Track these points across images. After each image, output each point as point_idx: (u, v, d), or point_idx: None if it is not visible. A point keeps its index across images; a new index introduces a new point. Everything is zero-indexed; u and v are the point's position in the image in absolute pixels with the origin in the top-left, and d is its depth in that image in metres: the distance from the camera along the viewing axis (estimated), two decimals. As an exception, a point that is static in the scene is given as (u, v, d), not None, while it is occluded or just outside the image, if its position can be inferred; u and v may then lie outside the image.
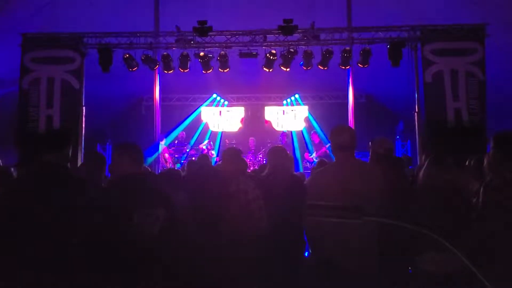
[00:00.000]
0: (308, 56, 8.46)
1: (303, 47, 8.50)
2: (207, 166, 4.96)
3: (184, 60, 8.71)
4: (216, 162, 10.13)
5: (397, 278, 3.05)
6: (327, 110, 12.38)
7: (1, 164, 4.93)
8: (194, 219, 3.15)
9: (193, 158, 9.45)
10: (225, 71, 8.93)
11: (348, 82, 9.43)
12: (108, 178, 4.09)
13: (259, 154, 10.96)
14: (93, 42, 8.52)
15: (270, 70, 8.83)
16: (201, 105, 12.83)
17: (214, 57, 8.71)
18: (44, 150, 2.62)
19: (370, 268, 2.68)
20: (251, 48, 8.61)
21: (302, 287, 3.37)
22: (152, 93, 9.74)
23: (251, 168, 9.10)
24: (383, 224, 1.86)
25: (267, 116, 12.54)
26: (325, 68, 8.71)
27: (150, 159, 9.75)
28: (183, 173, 4.83)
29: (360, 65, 8.56)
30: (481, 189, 2.71)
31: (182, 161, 10.63)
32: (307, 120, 12.51)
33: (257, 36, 8.52)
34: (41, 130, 8.05)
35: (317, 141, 11.28)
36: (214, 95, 12.81)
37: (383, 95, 12.34)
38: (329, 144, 9.38)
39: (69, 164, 2.78)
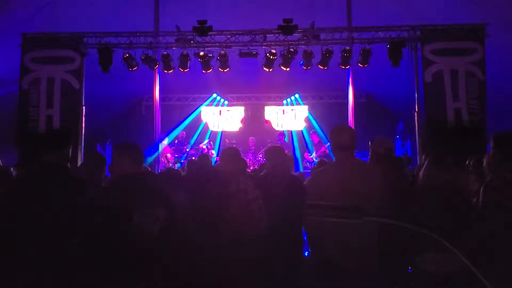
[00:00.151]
0: (308, 55, 8.46)
1: (303, 46, 8.50)
2: (207, 166, 4.96)
3: (184, 60, 8.70)
4: (216, 161, 10.13)
5: (397, 278, 3.05)
6: (327, 110, 12.38)
7: (1, 164, 4.93)
8: (194, 219, 3.15)
9: (193, 158, 9.45)
10: (225, 70, 8.93)
11: (348, 82, 9.43)
12: (108, 178, 4.09)
13: (259, 154, 10.96)
14: (93, 42, 8.51)
15: (270, 70, 8.83)
16: (201, 105, 12.83)
17: (214, 56, 8.71)
18: (44, 150, 2.62)
19: (370, 268, 2.68)
20: (251, 47, 8.61)
21: (302, 287, 3.37)
22: (152, 93, 9.74)
23: (251, 168, 9.10)
24: (383, 224, 1.86)
25: (267, 116, 12.54)
26: (325, 68, 8.71)
27: (150, 159, 9.75)
28: (183, 173, 4.83)
29: (360, 65, 8.56)
30: (481, 189, 2.71)
31: (182, 161, 10.63)
32: (307, 120, 12.51)
33: (257, 36, 8.52)
34: (41, 130, 8.05)
35: (316, 140, 11.28)
36: (214, 95, 12.81)
37: (383, 95, 12.34)
38: (328, 144, 9.38)
39: (69, 164, 2.78)
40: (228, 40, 8.57)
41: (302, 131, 12.59)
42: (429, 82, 7.99)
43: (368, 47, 8.28)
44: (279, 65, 8.69)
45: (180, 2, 8.68)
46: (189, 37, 8.51)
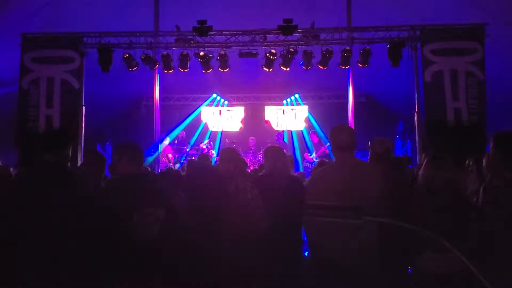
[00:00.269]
0: (308, 55, 8.46)
1: (303, 46, 8.50)
2: (206, 166, 4.96)
3: (184, 60, 8.71)
4: (216, 161, 10.13)
5: (397, 278, 3.05)
6: (327, 110, 12.38)
7: (1, 164, 4.92)
8: (193, 219, 3.15)
9: (193, 158, 9.45)
10: (225, 70, 8.93)
11: (348, 82, 9.43)
12: (108, 178, 4.09)
13: (259, 154, 10.96)
14: (93, 41, 8.52)
15: (270, 70, 8.83)
16: (201, 105, 12.83)
17: (214, 56, 8.72)
18: (44, 150, 2.62)
19: (370, 268, 2.67)
20: (251, 47, 8.62)
21: (302, 287, 3.37)
22: (152, 93, 9.74)
23: (251, 168, 9.10)
24: (383, 224, 1.86)
25: (267, 116, 12.54)
26: (325, 68, 8.71)
27: (150, 159, 9.74)
28: (183, 173, 4.83)
29: (360, 65, 8.56)
30: (481, 189, 2.72)
31: (182, 161, 10.63)
32: (307, 120, 12.51)
33: (257, 36, 8.52)
34: (41, 130, 8.06)
35: (316, 141, 11.29)
36: (214, 95, 12.81)
37: (383, 95, 12.34)
38: (328, 144, 9.39)
39: (69, 164, 2.78)
40: (228, 40, 8.57)
41: (302, 131, 12.58)
42: (429, 82, 8.00)
43: (368, 47, 8.28)
44: (279, 65, 8.69)
45: (180, 2, 8.69)
46: (189, 37, 8.52)
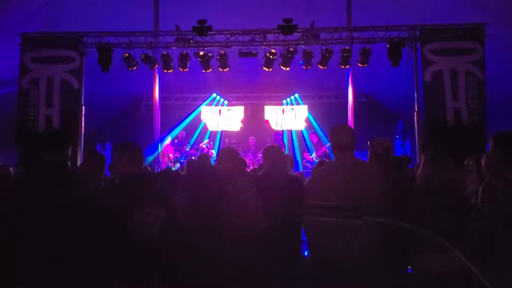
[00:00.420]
0: (307, 55, 8.46)
1: (303, 46, 8.50)
2: (206, 165, 4.96)
3: (183, 60, 8.71)
4: (215, 161, 10.11)
5: (397, 278, 3.05)
6: (327, 110, 12.38)
7: (1, 164, 4.92)
8: (193, 219, 3.15)
9: (193, 158, 9.45)
10: (225, 70, 8.93)
11: (348, 82, 9.43)
12: (108, 178, 4.09)
13: (259, 154, 10.96)
14: (93, 41, 8.52)
15: (270, 70, 8.83)
16: (201, 104, 12.83)
17: (213, 56, 8.72)
18: (44, 150, 2.62)
19: (370, 268, 2.67)
20: (251, 47, 8.62)
21: (301, 287, 3.37)
22: (151, 92, 9.74)
23: (251, 167, 9.10)
24: (383, 224, 1.86)
25: (267, 116, 12.54)
26: (325, 68, 8.71)
27: (150, 159, 9.74)
28: (182, 173, 4.83)
29: (360, 65, 8.56)
30: (480, 189, 2.72)
31: (182, 161, 10.63)
32: (306, 120, 12.51)
33: (256, 36, 8.52)
34: (40, 129, 8.06)
35: (315, 141, 11.28)
36: (214, 95, 12.81)
37: (383, 95, 12.34)
38: (329, 144, 9.38)
39: (69, 164, 2.79)
40: (228, 40, 8.57)
41: (302, 131, 12.58)
42: (428, 82, 8.00)
43: (367, 47, 8.28)
44: (279, 64, 8.69)
45: (180, 2, 8.69)
46: (189, 36, 8.51)
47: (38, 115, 8.18)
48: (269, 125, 12.46)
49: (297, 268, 3.57)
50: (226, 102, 12.99)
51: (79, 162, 7.52)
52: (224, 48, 8.60)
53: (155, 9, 8.78)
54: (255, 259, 3.07)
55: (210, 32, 8.20)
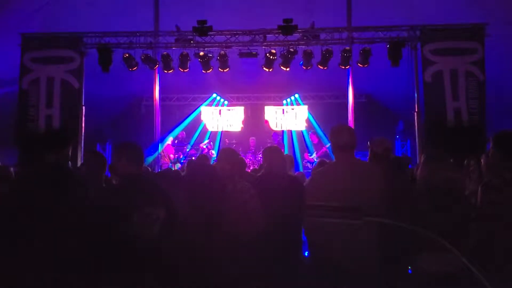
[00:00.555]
0: (308, 55, 8.47)
1: (303, 46, 8.51)
2: (206, 166, 4.95)
3: (184, 60, 8.71)
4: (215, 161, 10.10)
5: (397, 278, 3.05)
6: (327, 110, 12.38)
7: (1, 164, 4.92)
8: (193, 219, 3.15)
9: (193, 158, 9.45)
10: (225, 70, 8.93)
11: (348, 82, 9.43)
12: (108, 178, 4.09)
13: (259, 154, 10.96)
14: (93, 41, 8.52)
15: (270, 70, 8.84)
16: (201, 104, 12.83)
17: (214, 56, 8.72)
18: (44, 150, 2.62)
19: (370, 268, 2.67)
20: (251, 47, 8.62)
21: (302, 287, 3.37)
22: (152, 93, 9.74)
23: (251, 168, 9.10)
24: (383, 224, 1.86)
25: (267, 116, 12.54)
26: (325, 68, 8.71)
27: (150, 159, 9.74)
28: (183, 173, 4.83)
29: (360, 65, 8.57)
30: (480, 189, 2.72)
31: (182, 161, 10.63)
32: (307, 120, 12.51)
33: (257, 36, 8.52)
34: (41, 130, 8.06)
35: (316, 141, 11.28)
36: (214, 95, 12.81)
37: (383, 95, 12.34)
38: (329, 144, 9.39)
39: (69, 164, 2.79)
40: (228, 40, 8.57)
41: (302, 132, 12.58)
42: (429, 82, 8.00)
43: (368, 47, 8.29)
44: (279, 65, 8.69)
45: (180, 2, 8.69)
46: (189, 37, 8.52)
47: (38, 115, 8.18)
48: (269, 125, 12.46)
49: (297, 268, 3.57)
50: (226, 102, 12.99)
51: (79, 162, 7.52)
52: (224, 49, 8.60)
53: (155, 9, 8.79)
54: (255, 259, 3.07)
55: (210, 33, 8.20)
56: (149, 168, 7.04)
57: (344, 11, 8.59)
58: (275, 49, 8.56)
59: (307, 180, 4.36)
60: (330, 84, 11.49)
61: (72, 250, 2.32)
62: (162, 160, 10.21)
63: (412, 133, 9.20)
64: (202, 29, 8.01)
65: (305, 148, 12.07)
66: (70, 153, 2.79)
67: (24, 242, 2.31)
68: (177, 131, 12.06)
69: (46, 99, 8.21)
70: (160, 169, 9.34)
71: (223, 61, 8.70)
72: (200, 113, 12.67)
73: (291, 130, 12.71)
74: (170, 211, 2.61)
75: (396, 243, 2.78)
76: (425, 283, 2.84)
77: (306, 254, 3.75)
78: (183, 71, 8.88)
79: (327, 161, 6.02)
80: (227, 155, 3.66)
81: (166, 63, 8.76)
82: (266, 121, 12.52)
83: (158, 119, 9.63)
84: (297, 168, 10.41)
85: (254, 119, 12.66)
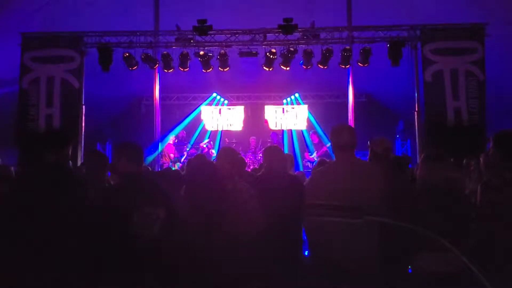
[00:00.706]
0: (308, 55, 8.46)
1: (303, 46, 8.50)
2: (205, 165, 4.95)
3: (184, 59, 8.71)
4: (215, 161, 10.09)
5: (397, 278, 3.05)
6: (327, 109, 12.38)
7: (1, 164, 4.92)
8: (192, 218, 3.15)
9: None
10: (225, 70, 8.93)
11: (348, 81, 9.43)
12: (108, 177, 4.09)
13: (259, 153, 10.96)
14: (93, 41, 8.52)
15: (270, 69, 8.83)
16: (201, 104, 12.82)
17: (214, 56, 8.72)
18: (44, 150, 2.62)
19: (370, 268, 2.67)
20: (251, 47, 8.62)
21: (302, 287, 3.37)
22: (152, 92, 9.73)
23: (251, 167, 9.10)
24: (383, 224, 1.86)
25: (267, 115, 12.54)
26: (325, 67, 8.71)
27: (150, 159, 9.74)
28: (183, 173, 4.83)
29: (360, 64, 8.56)
30: (480, 188, 2.71)
31: (182, 161, 10.63)
32: (307, 119, 12.50)
33: (257, 35, 8.52)
34: (41, 129, 8.06)
35: (316, 141, 11.28)
36: (214, 94, 12.80)
37: (383, 95, 12.34)
38: (329, 144, 9.38)
39: (70, 164, 2.79)
40: (228, 40, 8.57)
41: (302, 131, 12.57)
42: (429, 81, 8.00)
43: (368, 47, 8.29)
44: (279, 64, 8.69)
45: (180, 1, 8.69)
46: (189, 36, 8.51)
47: (38, 115, 8.18)
48: (267, 125, 12.44)
49: (297, 268, 3.57)
50: (226, 102, 12.98)
51: (79, 162, 7.53)
52: (224, 48, 8.60)
53: (155, 9, 8.78)
54: (255, 259, 3.07)
55: (210, 32, 8.19)
56: (149, 168, 7.04)
57: (344, 10, 8.59)
58: (275, 49, 8.56)
59: (307, 179, 4.36)
60: (330, 83, 11.49)
61: (72, 250, 2.32)
62: (162, 159, 10.20)
63: (412, 132, 9.21)
64: (202, 28, 8.01)
65: (305, 148, 12.06)
66: (70, 153, 2.79)
67: (24, 242, 2.31)
68: (177, 130, 12.05)
69: (46, 99, 8.21)
70: (160, 168, 9.33)
71: (223, 61, 8.69)
72: (200, 113, 12.66)
73: (291, 130, 12.70)
74: (170, 211, 2.61)
75: (396, 243, 2.78)
76: (425, 283, 2.84)
77: (306, 254, 3.75)
78: (183, 70, 8.87)
79: (327, 160, 6.02)
80: (227, 154, 3.66)
81: (166, 62, 8.75)
82: (266, 121, 12.51)
83: (158, 118, 9.62)
84: (297, 168, 10.41)
85: (254, 118, 12.65)
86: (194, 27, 8.02)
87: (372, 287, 2.67)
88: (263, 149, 4.24)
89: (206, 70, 8.98)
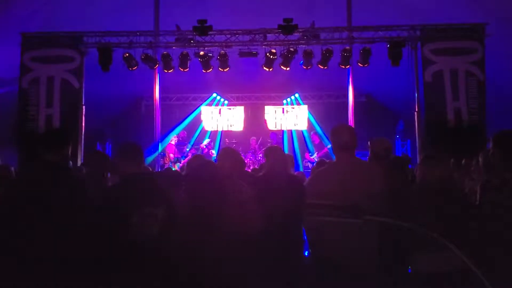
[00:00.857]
0: (308, 55, 8.46)
1: (303, 46, 8.50)
2: (205, 165, 4.95)
3: (184, 59, 8.70)
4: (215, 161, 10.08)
5: (397, 278, 3.05)
6: (327, 110, 12.38)
7: (1, 163, 4.92)
8: (192, 218, 3.15)
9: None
10: (225, 70, 8.93)
11: (348, 82, 9.43)
12: (108, 178, 4.09)
13: (259, 154, 10.95)
14: (93, 41, 8.52)
15: (270, 70, 8.83)
16: (201, 104, 12.82)
17: (214, 56, 8.72)
18: (44, 150, 2.62)
19: (370, 268, 2.67)
20: (251, 47, 8.62)
21: (302, 287, 3.37)
22: (152, 92, 9.73)
23: (252, 167, 9.10)
24: (383, 224, 1.86)
25: (267, 116, 12.53)
26: (325, 68, 8.71)
27: (150, 159, 9.74)
28: (183, 173, 4.83)
29: (360, 65, 8.56)
30: (480, 188, 2.72)
31: (182, 161, 10.63)
32: (307, 120, 12.49)
33: (257, 35, 8.52)
34: (40, 129, 8.06)
35: (317, 141, 11.27)
36: (214, 95, 12.79)
37: (383, 95, 12.34)
38: (330, 145, 9.38)
39: (70, 164, 2.79)
40: (228, 40, 8.57)
41: (302, 131, 12.57)
42: (429, 81, 8.00)
43: (368, 47, 8.29)
44: (279, 64, 8.69)
45: (180, 2, 8.69)
46: (189, 36, 8.51)
47: (38, 115, 8.19)
48: (266, 125, 12.43)
49: (297, 268, 3.57)
50: (226, 102, 12.98)
51: (79, 162, 7.53)
52: (224, 48, 8.60)
53: (155, 9, 8.78)
54: (255, 259, 3.07)
55: (210, 32, 8.19)
56: (150, 168, 7.04)
57: (344, 10, 8.59)
58: (275, 49, 8.56)
59: (307, 179, 4.37)
60: (330, 83, 11.49)
61: (72, 250, 2.32)
62: (164, 160, 10.19)
63: (412, 133, 9.20)
64: (202, 28, 8.01)
65: (306, 148, 12.06)
66: (69, 153, 2.79)
67: (24, 242, 2.31)
68: (178, 130, 12.05)
69: (46, 99, 8.21)
70: (161, 168, 9.33)
71: (223, 61, 8.69)
72: (200, 113, 12.66)
73: (291, 130, 12.69)
74: (170, 211, 2.61)
75: (396, 243, 2.78)
76: (425, 283, 2.84)
77: (306, 254, 3.75)
78: (183, 70, 8.87)
79: (327, 160, 6.02)
80: (227, 154, 3.66)
81: (166, 62, 8.75)
82: (266, 121, 12.51)
83: (158, 118, 9.62)
84: (297, 168, 10.41)
85: (254, 118, 12.64)
86: (194, 27, 8.02)
87: (372, 287, 2.67)
88: (265, 149, 4.25)
89: (206, 71, 8.98)
